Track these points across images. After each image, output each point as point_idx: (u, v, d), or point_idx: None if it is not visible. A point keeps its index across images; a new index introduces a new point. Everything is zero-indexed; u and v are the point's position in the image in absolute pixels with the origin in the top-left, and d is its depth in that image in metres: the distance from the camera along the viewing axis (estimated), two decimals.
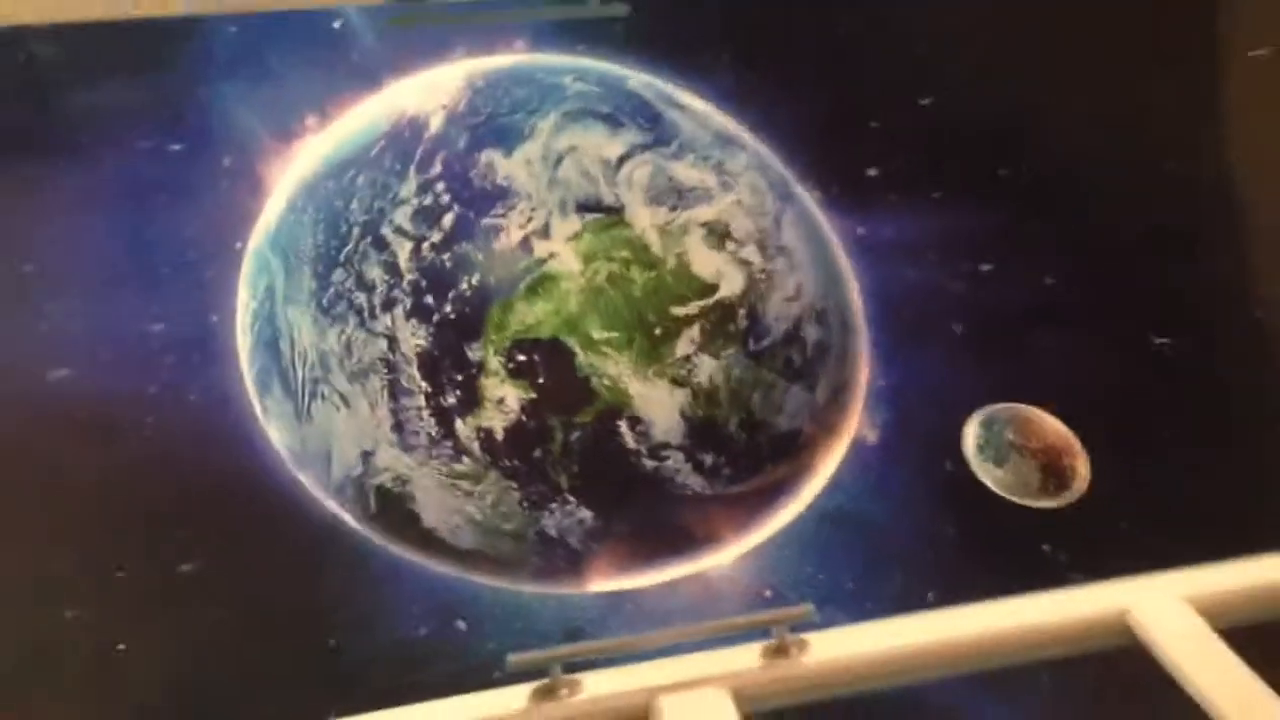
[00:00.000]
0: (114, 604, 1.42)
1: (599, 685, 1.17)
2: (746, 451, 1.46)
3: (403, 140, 1.33)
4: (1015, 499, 1.53)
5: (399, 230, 1.25)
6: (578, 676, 1.12)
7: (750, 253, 1.41)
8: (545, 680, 1.09)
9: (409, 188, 1.28)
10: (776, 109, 1.48)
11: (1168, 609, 1.37)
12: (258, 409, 1.44)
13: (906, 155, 1.78)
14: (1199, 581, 1.42)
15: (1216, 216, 1.95)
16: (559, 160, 1.37)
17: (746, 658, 1.18)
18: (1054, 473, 1.53)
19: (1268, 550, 1.50)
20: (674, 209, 1.34)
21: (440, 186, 1.28)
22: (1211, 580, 1.44)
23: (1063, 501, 1.53)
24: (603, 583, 1.49)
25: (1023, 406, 1.52)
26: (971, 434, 1.50)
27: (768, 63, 1.53)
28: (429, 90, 1.42)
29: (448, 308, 1.25)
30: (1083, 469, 1.54)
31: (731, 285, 1.36)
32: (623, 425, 1.29)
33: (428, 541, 1.52)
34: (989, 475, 1.55)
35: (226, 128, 1.52)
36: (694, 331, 1.35)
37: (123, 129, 1.60)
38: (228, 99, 1.50)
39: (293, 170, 1.54)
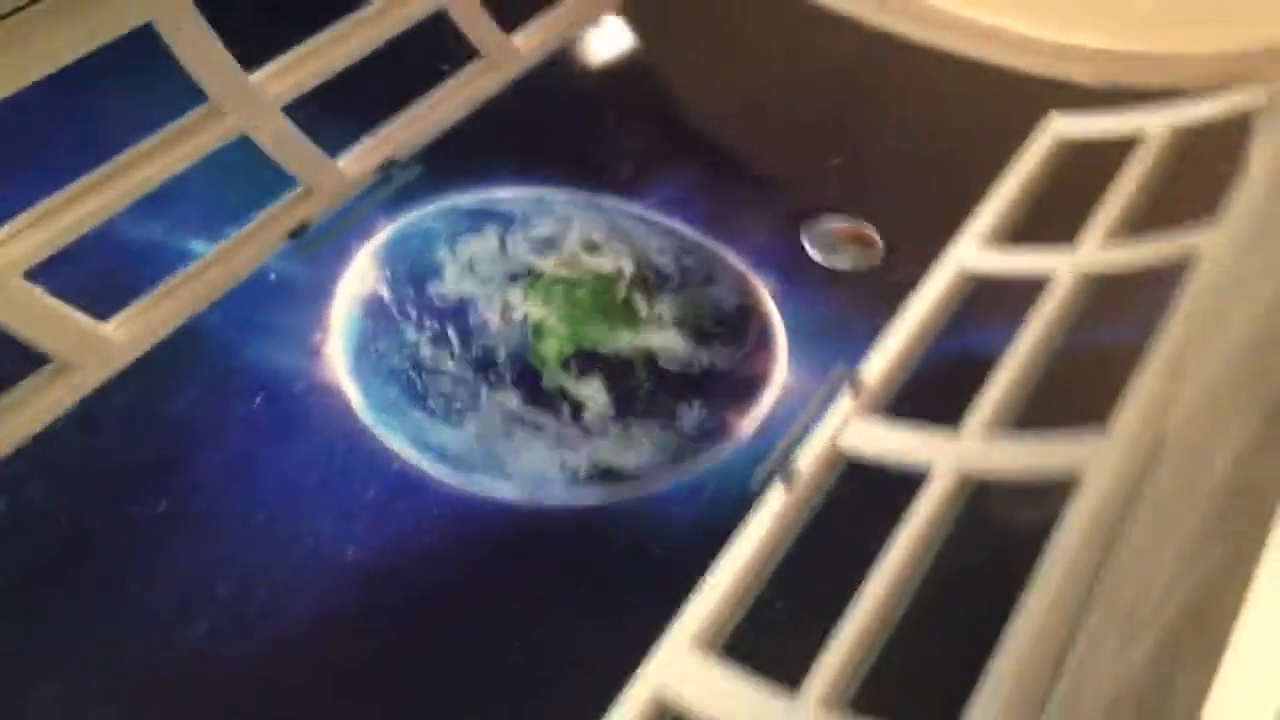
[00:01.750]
0: None
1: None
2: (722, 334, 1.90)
3: (379, 309, 1.61)
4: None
5: (434, 356, 1.53)
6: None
7: (613, 247, 1.84)
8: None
9: (411, 333, 1.56)
10: (558, 177, 1.90)
11: None
12: None
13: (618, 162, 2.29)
14: None
15: None
16: (472, 265, 1.70)
17: None
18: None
19: None
20: (555, 249, 1.73)
21: (425, 320, 1.58)
22: None
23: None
24: None
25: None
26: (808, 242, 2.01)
27: (523, 157, 1.97)
28: (361, 279, 1.71)
29: (507, 375, 1.55)
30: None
31: (624, 266, 1.78)
32: (659, 359, 1.66)
33: None
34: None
35: None
36: (636, 296, 1.74)
37: None
38: None
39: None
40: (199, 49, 1.64)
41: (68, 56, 1.50)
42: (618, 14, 2.06)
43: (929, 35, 2.19)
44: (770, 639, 1.24)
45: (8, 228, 1.47)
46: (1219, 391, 1.27)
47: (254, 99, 1.69)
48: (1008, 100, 2.12)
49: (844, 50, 2.07)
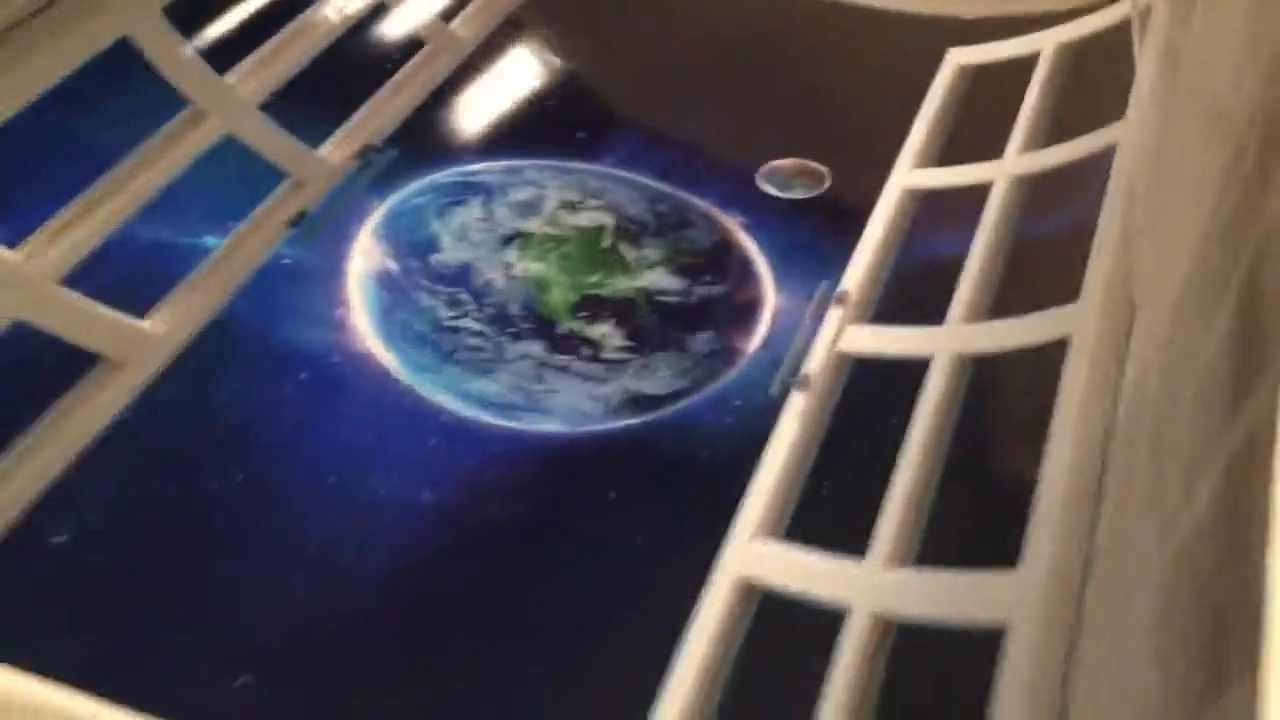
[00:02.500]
0: None
1: None
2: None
3: (390, 281, 1.65)
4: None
5: (452, 317, 1.59)
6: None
7: (589, 204, 1.91)
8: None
9: (425, 299, 1.61)
10: (523, 147, 1.96)
11: None
12: None
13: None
14: None
15: None
16: (465, 233, 1.76)
17: None
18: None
19: None
20: (537, 212, 1.81)
21: (436, 287, 1.65)
22: None
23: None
24: None
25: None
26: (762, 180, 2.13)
27: (486, 133, 2.02)
28: (366, 256, 1.74)
29: (524, 326, 1.63)
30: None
31: (603, 219, 1.86)
32: (657, 296, 1.75)
33: None
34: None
35: None
36: (621, 245, 1.83)
37: None
38: None
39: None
40: (176, 58, 1.69)
41: (53, 76, 1.55)
42: None
43: None
44: (825, 520, 1.38)
45: (35, 238, 1.51)
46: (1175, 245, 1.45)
47: (233, 99, 1.76)
48: (906, 41, 2.30)
49: (750, 11, 2.23)
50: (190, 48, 1.68)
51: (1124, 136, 1.78)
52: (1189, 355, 1.17)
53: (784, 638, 1.27)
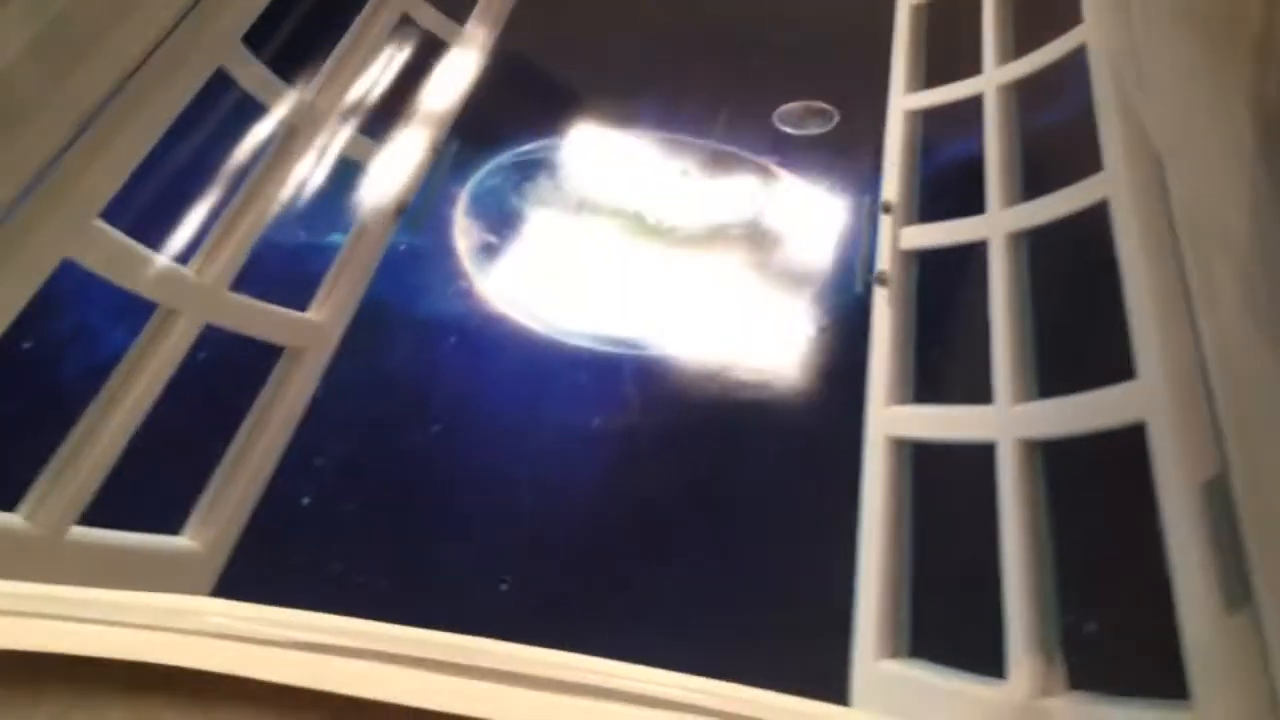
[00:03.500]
0: None
1: None
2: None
3: (497, 252, 1.80)
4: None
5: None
6: None
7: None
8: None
9: None
10: (563, 124, 2.09)
11: None
12: None
13: None
14: None
15: None
16: (544, 202, 1.92)
17: None
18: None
19: None
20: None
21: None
22: None
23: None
24: None
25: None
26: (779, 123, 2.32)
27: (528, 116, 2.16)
28: (467, 234, 1.87)
29: None
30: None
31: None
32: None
33: None
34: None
35: None
36: None
37: None
38: None
39: None
40: (264, 81, 1.84)
41: (173, 112, 1.67)
42: None
43: None
44: (942, 382, 1.60)
45: (199, 255, 1.65)
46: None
47: (319, 115, 1.91)
48: None
49: None
50: (269, 70, 1.83)
51: (1090, 35, 2.04)
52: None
53: (937, 487, 1.48)
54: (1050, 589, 1.25)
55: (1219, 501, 1.17)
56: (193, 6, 1.67)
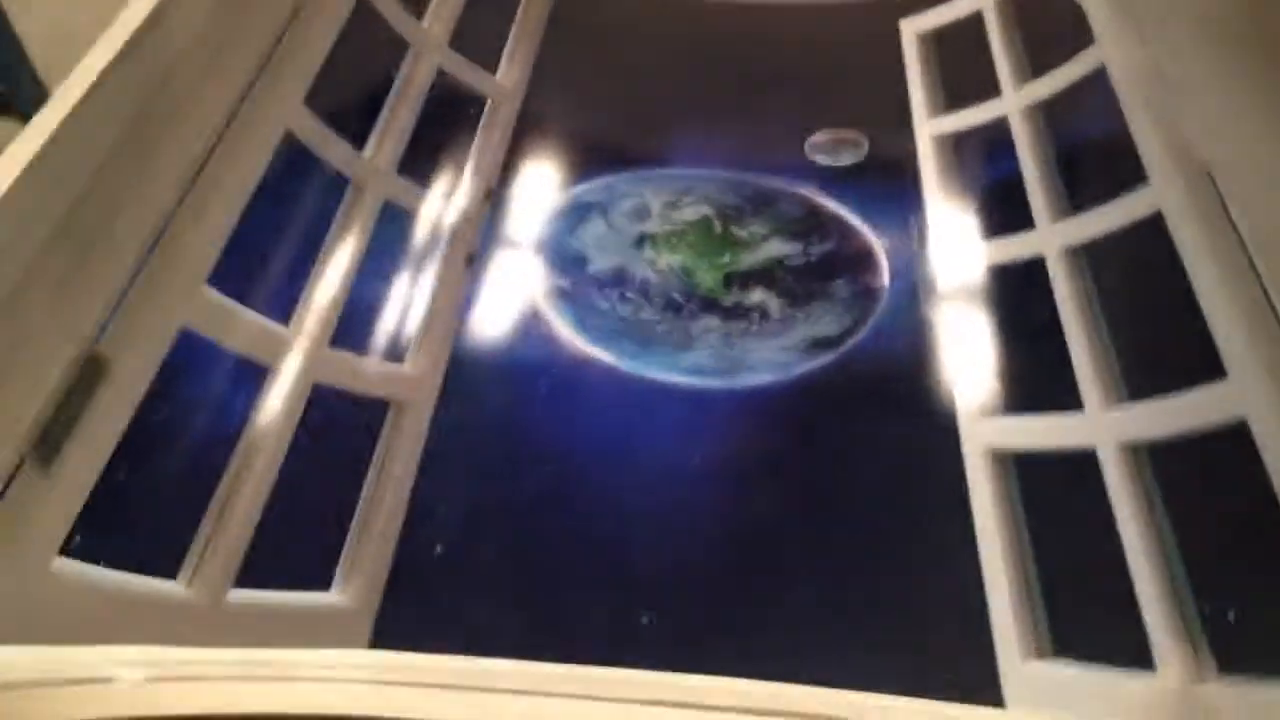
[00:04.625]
0: None
1: None
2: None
3: (567, 295, 1.80)
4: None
5: (633, 311, 1.75)
6: None
7: (687, 201, 2.10)
8: None
9: (603, 303, 1.77)
10: (607, 165, 2.09)
11: None
12: None
13: None
14: None
15: None
16: (601, 245, 1.92)
17: None
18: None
19: None
20: (648, 215, 1.99)
21: (606, 291, 1.82)
22: None
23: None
24: None
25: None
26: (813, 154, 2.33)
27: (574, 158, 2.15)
28: (537, 280, 1.87)
29: (695, 307, 1.81)
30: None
31: (705, 210, 2.04)
32: (784, 261, 1.94)
33: None
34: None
35: None
36: (730, 228, 2.03)
37: None
38: None
39: None
40: (328, 140, 1.85)
41: (254, 178, 1.68)
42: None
43: None
44: (1029, 392, 1.65)
45: (296, 315, 1.65)
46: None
47: (377, 170, 1.92)
48: (859, 26, 2.61)
49: (725, 25, 2.50)
50: (331, 130, 1.84)
51: (1108, 56, 2.12)
52: None
53: (1041, 501, 1.53)
54: (1182, 580, 1.29)
55: None
56: (257, 76, 1.68)
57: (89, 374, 1.28)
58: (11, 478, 1.14)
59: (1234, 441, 1.36)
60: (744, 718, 0.88)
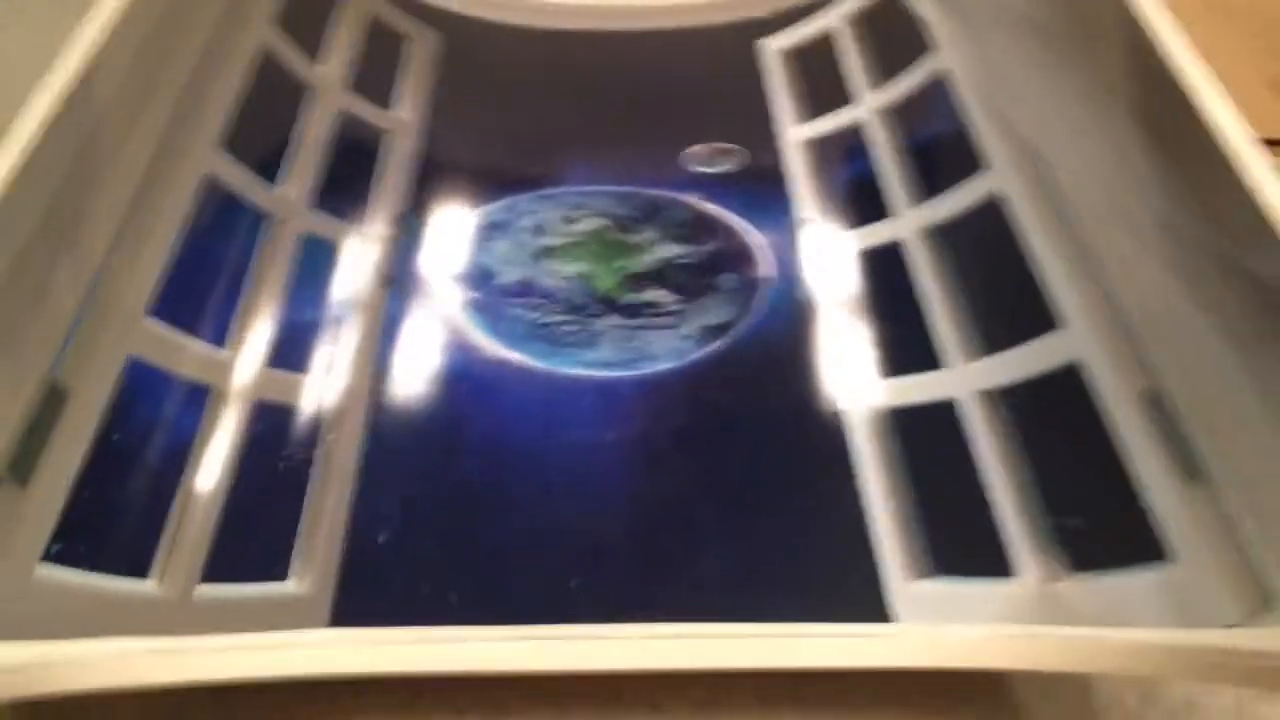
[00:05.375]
0: None
1: None
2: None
3: (480, 306, 1.91)
4: None
5: (539, 316, 1.87)
6: None
7: (581, 214, 2.24)
8: None
9: (512, 311, 1.90)
10: (507, 188, 2.22)
11: None
12: None
13: None
14: None
15: None
16: (507, 259, 2.05)
17: None
18: None
19: None
20: (547, 230, 2.13)
21: (517, 298, 1.94)
22: None
23: None
24: None
25: None
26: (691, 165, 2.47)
27: (475, 184, 2.28)
28: (449, 294, 1.97)
29: (597, 307, 1.96)
30: None
31: (598, 221, 2.18)
32: (675, 261, 2.08)
33: None
34: None
35: None
36: (622, 235, 2.16)
37: None
38: None
39: None
40: (250, 183, 1.98)
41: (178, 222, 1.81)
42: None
43: (636, 23, 2.85)
44: (897, 357, 1.85)
45: (232, 339, 1.78)
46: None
47: (295, 205, 2.05)
48: (719, 44, 2.81)
49: (593, 59, 2.69)
50: (250, 172, 1.97)
51: (948, 59, 2.35)
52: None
53: (913, 447, 1.74)
54: (1034, 500, 1.49)
55: (1157, 405, 1.43)
56: (174, 125, 1.80)
57: (52, 402, 1.39)
58: None
59: (1067, 381, 1.56)
60: (662, 645, 1.04)
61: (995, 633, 1.16)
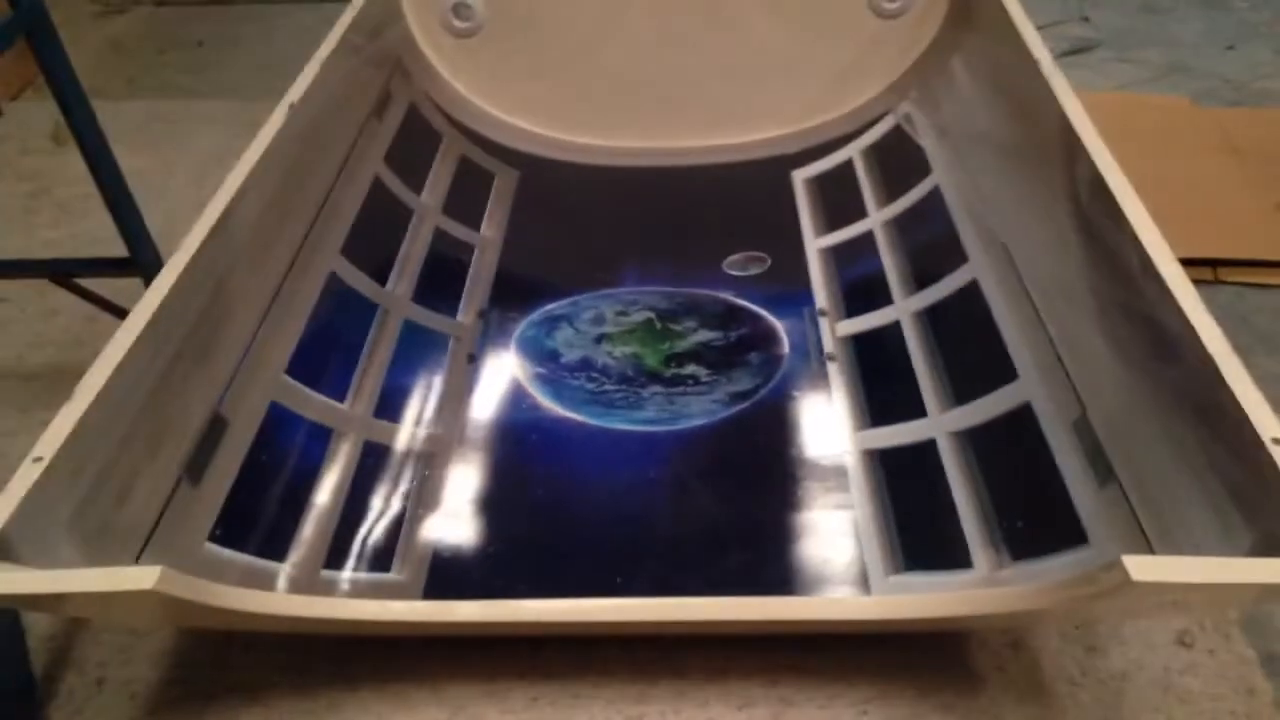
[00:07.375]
0: None
1: None
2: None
3: (546, 379, 2.29)
4: None
5: (596, 387, 2.25)
6: None
7: (633, 309, 2.65)
8: None
9: (574, 382, 2.27)
10: (572, 289, 2.68)
11: None
12: None
13: None
14: None
15: None
16: (570, 344, 2.44)
17: None
18: None
19: None
20: (604, 321, 2.55)
21: (577, 373, 2.35)
22: None
23: None
24: None
25: None
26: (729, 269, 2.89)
27: (543, 288, 2.76)
28: (521, 370, 2.37)
29: (644, 379, 2.33)
30: None
31: (648, 314, 2.58)
32: (710, 344, 2.46)
33: None
34: None
35: None
36: (667, 325, 2.54)
37: None
38: None
39: None
40: (369, 282, 2.41)
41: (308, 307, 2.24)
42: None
43: (687, 160, 3.30)
44: (888, 411, 2.21)
45: (350, 395, 2.18)
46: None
47: (400, 300, 2.48)
48: (758, 178, 3.23)
49: (649, 185, 3.13)
50: (361, 271, 2.40)
51: (942, 179, 2.74)
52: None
53: (896, 476, 2.08)
54: (989, 508, 1.81)
55: (1085, 429, 1.75)
56: (308, 233, 2.22)
57: (216, 428, 1.79)
58: (174, 491, 1.64)
59: (1022, 418, 1.89)
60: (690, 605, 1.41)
61: (938, 596, 1.48)
